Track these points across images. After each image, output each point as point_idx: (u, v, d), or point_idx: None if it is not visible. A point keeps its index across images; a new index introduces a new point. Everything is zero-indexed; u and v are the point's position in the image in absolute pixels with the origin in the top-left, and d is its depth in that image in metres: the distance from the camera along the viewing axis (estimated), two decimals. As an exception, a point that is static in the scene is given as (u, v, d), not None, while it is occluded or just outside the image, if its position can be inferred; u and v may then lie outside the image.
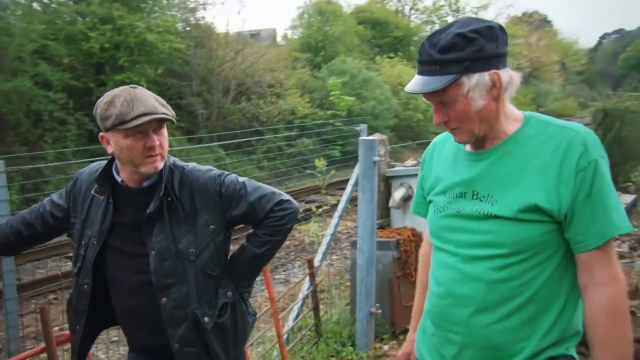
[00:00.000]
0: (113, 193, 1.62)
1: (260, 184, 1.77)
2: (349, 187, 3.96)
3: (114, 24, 12.21)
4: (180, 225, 1.61)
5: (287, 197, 1.76)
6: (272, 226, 1.71)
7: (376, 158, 3.39)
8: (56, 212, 1.72)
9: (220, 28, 16.76)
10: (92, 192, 1.65)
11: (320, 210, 5.08)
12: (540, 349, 1.22)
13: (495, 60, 1.19)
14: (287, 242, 7.81)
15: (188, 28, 15.06)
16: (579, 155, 1.17)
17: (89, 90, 12.08)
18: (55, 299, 5.51)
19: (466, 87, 1.18)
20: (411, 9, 31.95)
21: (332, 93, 15.86)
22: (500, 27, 1.22)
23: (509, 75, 1.21)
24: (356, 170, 3.77)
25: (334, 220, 3.93)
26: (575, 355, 1.27)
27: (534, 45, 34.09)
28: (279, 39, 26.15)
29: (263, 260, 1.79)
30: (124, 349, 4.49)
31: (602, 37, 63.71)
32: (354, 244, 3.75)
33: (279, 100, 15.70)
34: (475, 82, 1.18)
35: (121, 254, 1.63)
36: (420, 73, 1.22)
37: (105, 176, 1.62)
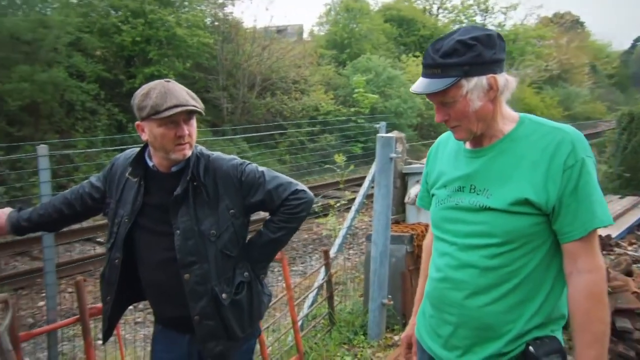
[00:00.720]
0: (145, 177, 1.78)
1: (278, 173, 1.89)
2: (366, 183, 4.08)
3: (146, 17, 12.53)
4: (203, 208, 1.74)
5: (302, 187, 1.89)
6: (287, 213, 1.84)
7: (392, 155, 3.49)
8: (94, 194, 1.89)
9: (247, 23, 16.97)
10: (126, 175, 1.80)
11: (338, 204, 5.21)
12: (526, 330, 1.33)
13: (492, 65, 1.30)
14: (305, 236, 7.97)
15: (216, 23, 15.30)
16: (567, 154, 1.27)
17: (119, 82, 12.44)
18: (85, 280, 5.78)
19: (465, 89, 1.30)
20: (439, 7, 31.75)
21: (356, 90, 15.96)
22: (498, 35, 1.33)
23: (505, 79, 1.32)
24: (374, 167, 3.88)
25: (350, 214, 4.05)
26: (561, 338, 1.37)
27: (564, 47, 33.44)
28: (305, 35, 26.30)
29: (278, 245, 1.91)
30: (147, 330, 4.72)
31: (636, 40, 61.92)
32: (368, 237, 3.86)
33: (303, 96, 15.86)
34: (474, 84, 1.29)
35: (150, 232, 1.77)
36: (424, 75, 1.34)
37: (139, 161, 1.77)
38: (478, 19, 32.08)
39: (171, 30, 12.65)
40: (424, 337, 1.56)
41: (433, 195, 1.53)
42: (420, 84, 1.35)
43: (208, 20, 15.21)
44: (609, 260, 4.40)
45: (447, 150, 1.53)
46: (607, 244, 5.14)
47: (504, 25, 31.74)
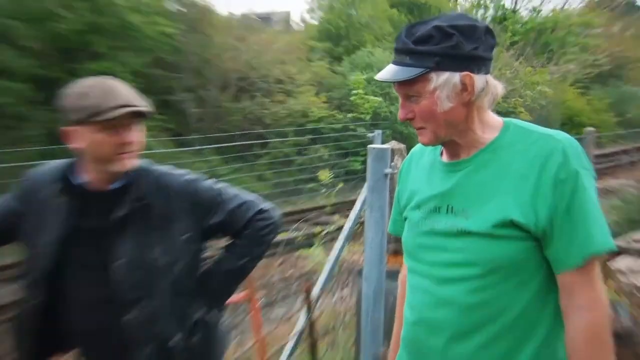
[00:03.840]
0: (74, 196, 1.81)
1: (238, 190, 2.00)
2: (358, 204, 4.18)
3: (92, 1, 12.70)
4: (150, 234, 1.81)
5: (268, 205, 2.00)
6: (252, 237, 1.94)
7: (388, 170, 3.59)
8: (11, 217, 1.88)
9: (221, 10, 17.23)
10: (48, 194, 1.82)
11: (325, 232, 5.31)
12: None
13: (470, 62, 1.36)
14: (290, 271, 8.04)
15: (181, 8, 15.53)
16: (557, 165, 1.32)
17: (57, 81, 12.54)
18: None
19: (433, 84, 1.37)
20: (459, -11, 32.21)
21: (354, 92, 16.16)
22: (488, 30, 1.40)
23: (485, 82, 1.39)
24: (365, 186, 3.98)
25: (338, 243, 4.14)
26: None
27: (617, 36, 33.85)
28: (295, 23, 26.65)
29: (241, 275, 2.01)
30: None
31: None
32: (359, 272, 3.95)
33: (289, 99, 16.04)
34: (444, 80, 1.36)
35: (80, 265, 1.81)
36: (394, 62, 1.43)
37: (66, 177, 1.82)
38: (507, 3, 32.56)
39: (123, 17, 12.81)
40: None
41: (406, 218, 1.59)
42: (387, 71, 1.43)
43: (171, 5, 15.43)
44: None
45: (421, 164, 1.60)
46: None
47: (540, 10, 32.20)
